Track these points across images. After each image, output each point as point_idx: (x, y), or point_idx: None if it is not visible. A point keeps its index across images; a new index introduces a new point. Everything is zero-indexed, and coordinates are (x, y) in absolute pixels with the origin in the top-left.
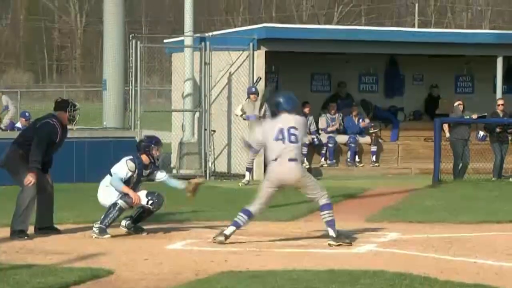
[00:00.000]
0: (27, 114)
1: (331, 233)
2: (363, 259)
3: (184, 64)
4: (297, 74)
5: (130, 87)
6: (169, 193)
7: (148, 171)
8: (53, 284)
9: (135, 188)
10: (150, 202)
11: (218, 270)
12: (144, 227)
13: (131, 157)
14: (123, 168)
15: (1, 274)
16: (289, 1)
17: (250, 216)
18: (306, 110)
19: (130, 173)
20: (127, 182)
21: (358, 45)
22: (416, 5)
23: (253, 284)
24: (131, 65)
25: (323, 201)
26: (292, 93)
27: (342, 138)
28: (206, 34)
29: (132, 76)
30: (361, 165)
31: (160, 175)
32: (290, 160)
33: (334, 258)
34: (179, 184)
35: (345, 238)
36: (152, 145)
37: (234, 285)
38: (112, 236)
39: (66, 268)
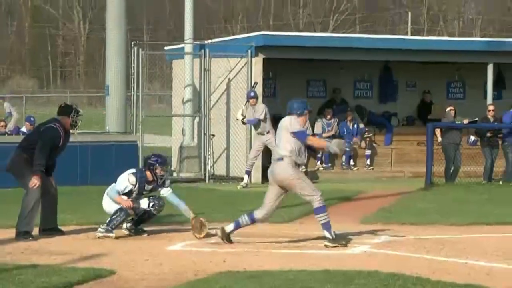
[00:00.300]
0: (32, 118)
1: (327, 235)
2: (357, 260)
3: (184, 71)
4: (294, 80)
5: (132, 92)
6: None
7: (150, 187)
8: (57, 284)
9: (137, 200)
10: (151, 205)
11: (217, 270)
12: (145, 228)
13: (134, 171)
14: (124, 181)
15: (6, 274)
16: (286, 10)
17: (252, 218)
18: None
19: (130, 187)
20: (127, 194)
21: (352, 52)
22: (409, 13)
23: (250, 284)
24: (133, 71)
25: (315, 204)
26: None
27: None
28: (206, 42)
29: (134, 82)
30: (355, 168)
31: (164, 191)
32: (277, 159)
33: (329, 258)
34: (185, 210)
35: (341, 240)
36: (157, 164)
37: (232, 285)
38: (115, 238)
39: (69, 268)
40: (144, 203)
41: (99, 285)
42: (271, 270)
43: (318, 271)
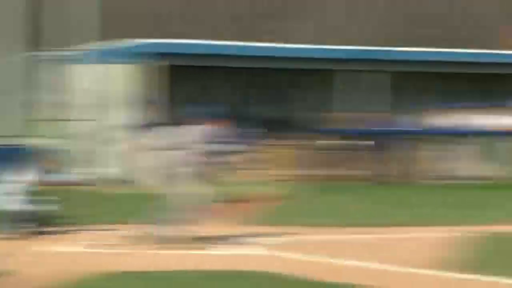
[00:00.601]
0: None
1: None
2: (237, 261)
3: (76, 76)
4: (190, 87)
5: (24, 96)
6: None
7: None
8: None
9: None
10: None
11: (98, 271)
12: (34, 229)
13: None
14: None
15: None
16: (189, 17)
17: None
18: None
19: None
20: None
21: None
22: None
23: (137, 284)
24: (23, 76)
25: None
26: None
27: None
28: (98, 47)
29: (26, 86)
30: (241, 171)
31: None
32: None
33: (216, 259)
34: None
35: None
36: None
37: (108, 285)
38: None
39: None
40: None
41: None
42: (153, 271)
43: (195, 271)
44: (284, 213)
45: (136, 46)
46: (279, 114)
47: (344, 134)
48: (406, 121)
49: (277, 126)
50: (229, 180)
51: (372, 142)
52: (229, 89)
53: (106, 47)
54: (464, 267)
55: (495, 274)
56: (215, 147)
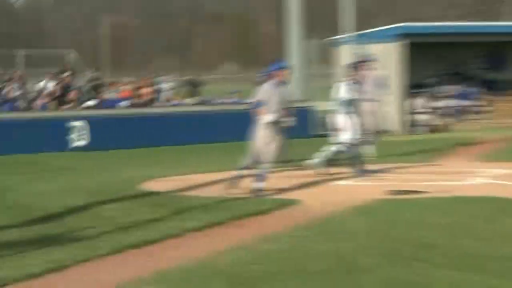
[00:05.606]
0: None
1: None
2: (478, 189)
3: (344, 55)
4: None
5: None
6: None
7: None
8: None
9: None
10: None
11: (377, 199)
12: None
13: None
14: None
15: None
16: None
17: None
18: None
19: None
20: None
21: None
22: None
23: (412, 207)
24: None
25: None
26: None
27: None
28: (359, 32)
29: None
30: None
31: None
32: None
33: (457, 188)
34: None
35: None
36: None
37: (391, 209)
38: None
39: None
40: None
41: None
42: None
43: (449, 197)
44: (507, 152)
45: (390, 29)
46: (499, 76)
47: None
48: None
49: (497, 86)
50: (461, 128)
51: None
52: (459, 58)
53: (370, 31)
54: None
55: None
56: (452, 102)
